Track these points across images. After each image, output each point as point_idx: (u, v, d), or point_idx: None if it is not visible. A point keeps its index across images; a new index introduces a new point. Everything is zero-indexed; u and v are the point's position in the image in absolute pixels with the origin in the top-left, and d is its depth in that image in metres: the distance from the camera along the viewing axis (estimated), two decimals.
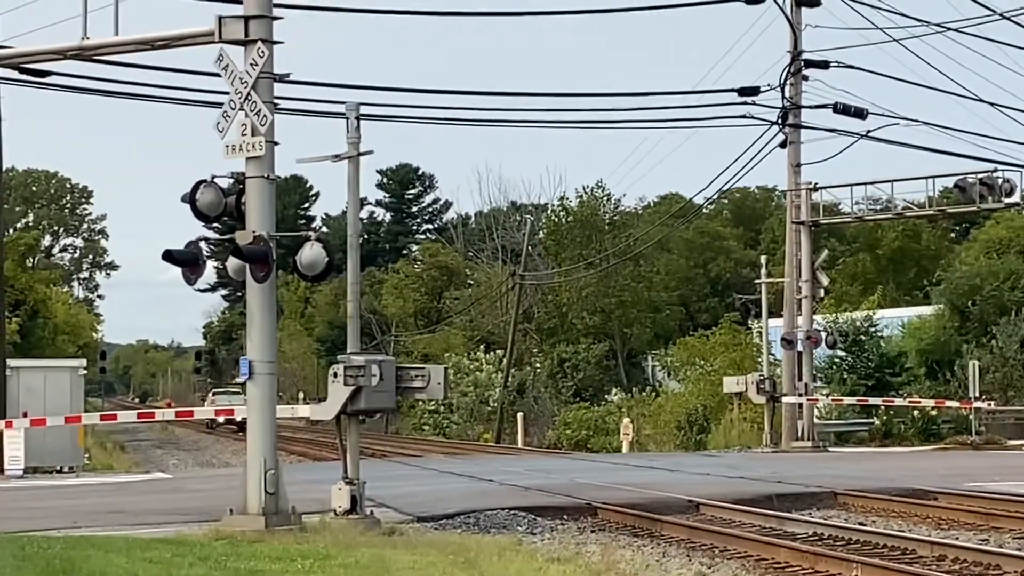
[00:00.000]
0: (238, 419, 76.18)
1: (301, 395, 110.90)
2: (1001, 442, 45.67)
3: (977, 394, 45.72)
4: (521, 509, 23.21)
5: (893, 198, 46.14)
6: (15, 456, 35.76)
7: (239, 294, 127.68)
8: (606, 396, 72.39)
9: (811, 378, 45.40)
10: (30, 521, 22.08)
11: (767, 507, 23.84)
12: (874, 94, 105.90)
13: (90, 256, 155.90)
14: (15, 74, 27.49)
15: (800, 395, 44.55)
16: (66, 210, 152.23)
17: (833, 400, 49.46)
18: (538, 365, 79.89)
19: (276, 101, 20.39)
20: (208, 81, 29.50)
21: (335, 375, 20.35)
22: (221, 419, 75.94)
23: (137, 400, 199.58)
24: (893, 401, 48.36)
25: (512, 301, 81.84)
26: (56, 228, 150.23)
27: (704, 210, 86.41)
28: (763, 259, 51.71)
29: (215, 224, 25.35)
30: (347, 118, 21.03)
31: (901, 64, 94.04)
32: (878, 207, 50.02)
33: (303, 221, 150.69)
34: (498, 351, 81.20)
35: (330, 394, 20.52)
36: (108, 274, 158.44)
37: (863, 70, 45.64)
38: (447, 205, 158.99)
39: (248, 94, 19.69)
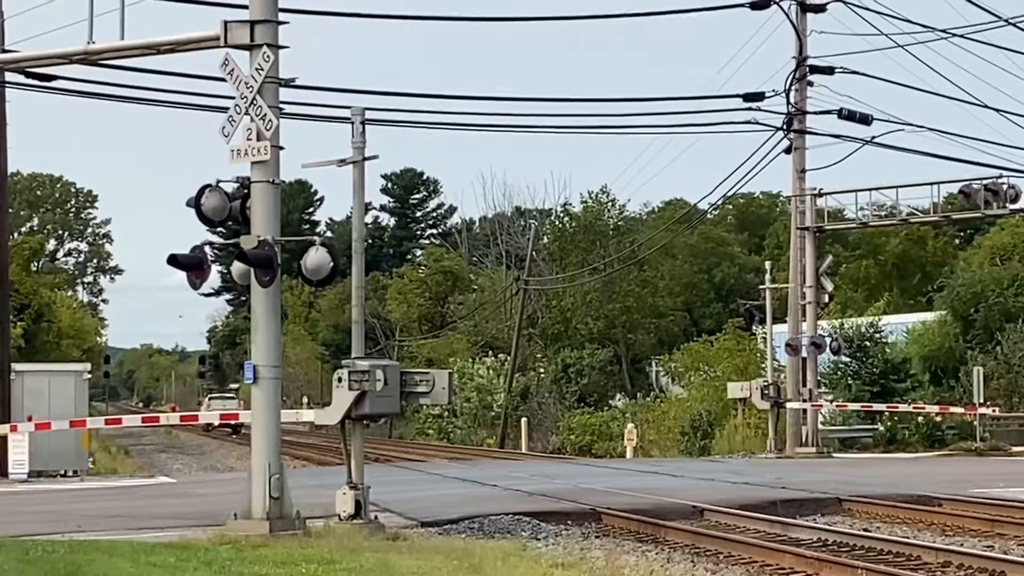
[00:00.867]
0: (232, 422, 77.32)
1: (305, 399, 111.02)
2: (1006, 448, 45.66)
3: (982, 400, 45.71)
4: (525, 514, 23.21)
5: (898, 204, 46.12)
6: (19, 460, 35.75)
7: (243, 298, 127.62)
8: (610, 401, 72.36)
9: (815, 384, 45.38)
10: (34, 525, 22.08)
11: (771, 513, 23.85)
12: (879, 100, 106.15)
13: (95, 260, 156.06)
14: (21, 78, 27.55)
15: (804, 401, 44.51)
16: (71, 214, 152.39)
17: (837, 406, 49.43)
18: (542, 370, 79.85)
19: (281, 106, 20.41)
20: (214, 86, 29.52)
21: (340, 380, 20.36)
22: (216, 422, 76.51)
23: (141, 404, 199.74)
24: (897, 407, 48.34)
25: (516, 306, 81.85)
26: (61, 232, 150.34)
27: (708, 215, 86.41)
28: (767, 264, 51.79)
29: (220, 228, 25.24)
30: (352, 123, 21.04)
31: (906, 70, 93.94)
32: (883, 213, 49.97)
33: (307, 226, 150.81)
34: (502, 356, 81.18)
35: (334, 399, 20.53)
36: (113, 278, 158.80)
37: (868, 76, 45.69)
38: (451, 210, 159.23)
39: (254, 99, 19.70)
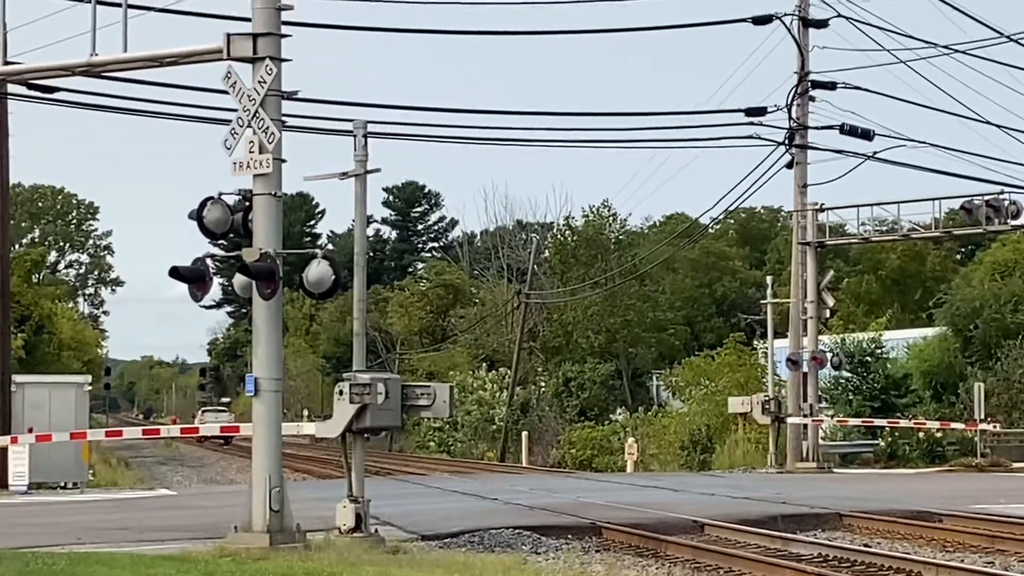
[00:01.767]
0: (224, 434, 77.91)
1: (306, 412, 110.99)
2: (1006, 464, 45.61)
3: (982, 416, 45.68)
4: (526, 528, 23.19)
5: (899, 219, 46.13)
6: (20, 472, 35.72)
7: (244, 311, 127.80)
8: (611, 415, 72.31)
9: (816, 399, 45.37)
10: (34, 537, 22.07)
11: (772, 528, 23.81)
12: (881, 115, 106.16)
13: (96, 272, 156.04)
14: (23, 90, 27.56)
15: (805, 416, 44.50)
16: (72, 226, 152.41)
17: (838, 421, 49.41)
18: (543, 384, 79.84)
19: (284, 118, 20.43)
20: (216, 98, 29.55)
21: (341, 393, 20.36)
22: (216, 433, 77.00)
23: (141, 416, 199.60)
24: (898, 423, 48.32)
25: (517, 320, 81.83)
26: (62, 244, 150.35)
27: (710, 230, 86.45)
28: (769, 279, 51.81)
29: (222, 241, 25.30)
30: (354, 136, 21.07)
31: (908, 86, 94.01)
32: (884, 228, 50.00)
33: (309, 238, 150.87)
34: (503, 369, 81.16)
35: (335, 412, 20.53)
36: (113, 290, 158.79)
37: (870, 91, 45.75)
38: (453, 223, 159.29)
39: (256, 111, 19.73)
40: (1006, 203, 42.77)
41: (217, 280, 22.56)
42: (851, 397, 53.39)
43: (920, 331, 65.36)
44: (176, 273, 20.31)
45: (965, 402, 51.71)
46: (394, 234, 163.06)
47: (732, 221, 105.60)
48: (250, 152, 19.83)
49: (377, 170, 21.04)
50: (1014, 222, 43.43)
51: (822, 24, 45.76)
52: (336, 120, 34.17)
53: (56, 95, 26.99)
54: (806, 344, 45.17)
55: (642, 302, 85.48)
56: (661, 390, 79.02)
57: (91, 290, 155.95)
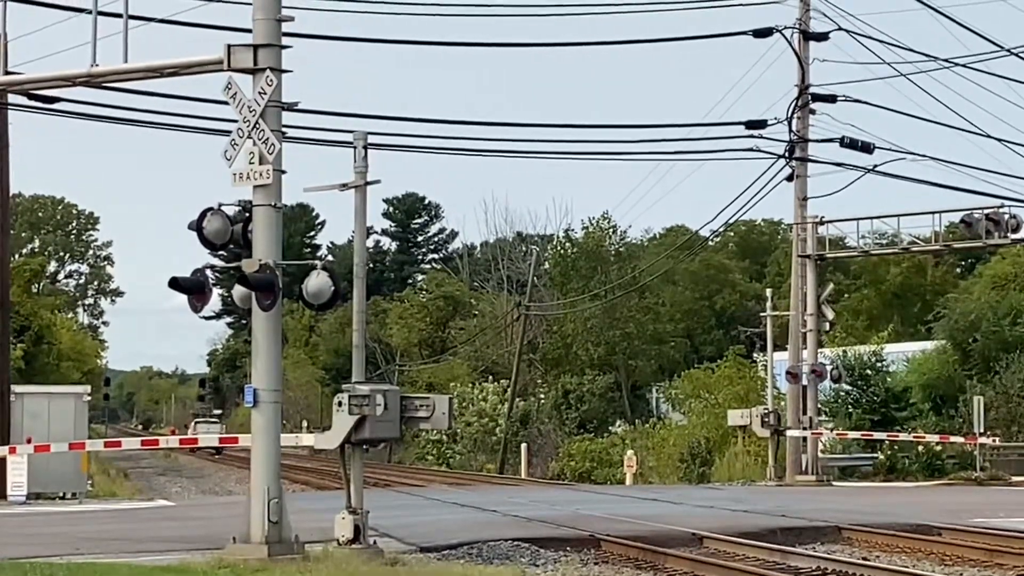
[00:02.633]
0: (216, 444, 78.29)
1: (305, 424, 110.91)
2: (1006, 478, 45.58)
3: (982, 430, 45.64)
4: (524, 540, 23.15)
5: (899, 233, 46.15)
6: (18, 482, 35.72)
7: (244, 322, 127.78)
8: (610, 428, 72.26)
9: (816, 412, 45.34)
10: (33, 547, 22.03)
11: (771, 541, 23.78)
12: (881, 129, 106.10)
13: (95, 282, 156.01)
14: (24, 100, 27.58)
15: (805, 429, 44.47)
16: (72, 236, 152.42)
17: (838, 434, 49.36)
18: (542, 396, 79.78)
19: (284, 130, 20.43)
20: (217, 109, 29.56)
21: (340, 404, 20.35)
22: (206, 444, 77.41)
23: (140, 427, 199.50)
24: (898, 436, 48.27)
25: (517, 332, 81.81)
26: (62, 254, 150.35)
27: (710, 242, 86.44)
28: (768, 292, 51.83)
29: (221, 252, 25.27)
30: (355, 147, 21.06)
31: (908, 99, 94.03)
32: (884, 241, 50.01)
33: (309, 250, 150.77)
34: (503, 381, 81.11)
35: (334, 423, 20.52)
36: (113, 300, 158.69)
37: (870, 104, 45.76)
38: (453, 235, 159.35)
39: (256, 122, 19.73)
40: (1006, 217, 42.80)
41: (217, 291, 22.58)
42: (851, 410, 53.35)
43: (919, 344, 65.35)
44: (176, 284, 20.30)
45: (964, 415, 51.67)
46: (394, 245, 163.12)
47: (732, 234, 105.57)
48: (250, 163, 19.83)
49: (377, 181, 21.06)
50: (1014, 236, 43.45)
51: (823, 37, 45.79)
52: (336, 131, 34.22)
53: (57, 105, 27.06)
54: (806, 357, 45.17)
55: (642, 314, 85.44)
56: (660, 402, 78.99)
57: (91, 300, 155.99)
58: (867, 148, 44.63)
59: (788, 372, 45.46)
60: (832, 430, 49.31)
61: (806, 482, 43.72)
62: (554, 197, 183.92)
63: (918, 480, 46.19)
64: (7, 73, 22.17)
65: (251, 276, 19.76)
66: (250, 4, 20.54)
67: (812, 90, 45.79)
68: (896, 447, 48.10)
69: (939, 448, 47.70)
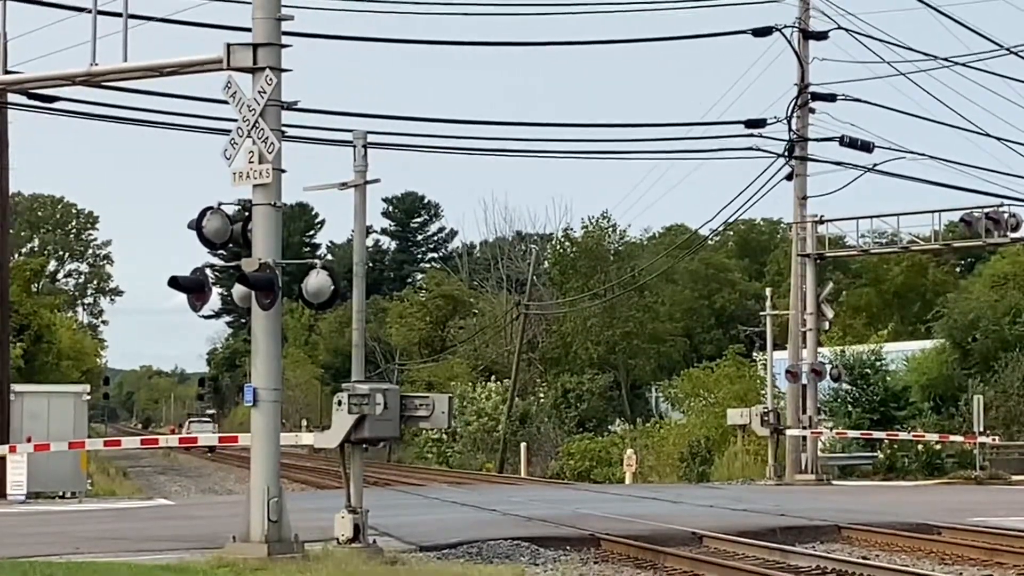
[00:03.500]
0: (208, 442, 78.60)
1: (304, 423, 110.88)
2: (1005, 477, 45.60)
3: (982, 429, 45.65)
4: (524, 539, 23.14)
5: (899, 232, 46.14)
6: (18, 481, 35.72)
7: (243, 321, 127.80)
8: (610, 427, 72.29)
9: (815, 411, 45.32)
10: (32, 547, 22.03)
11: (770, 540, 23.78)
12: (880, 128, 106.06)
13: (95, 281, 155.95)
14: (23, 99, 27.58)
15: (804, 428, 44.47)
16: (71, 235, 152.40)
17: (837, 433, 49.34)
18: (542, 395, 79.77)
19: (283, 129, 20.42)
20: (216, 108, 29.55)
21: (339, 403, 20.35)
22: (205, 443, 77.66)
23: (140, 426, 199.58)
24: (897, 435, 48.27)
25: (516, 331, 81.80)
26: (61, 253, 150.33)
27: (709, 241, 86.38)
28: (768, 291, 51.78)
29: (221, 251, 25.27)
30: (354, 146, 21.06)
31: (908, 98, 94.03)
32: (884, 241, 49.98)
33: (308, 249, 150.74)
34: (502, 380, 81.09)
35: (334, 422, 20.52)
36: (113, 300, 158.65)
37: (870, 103, 45.74)
38: (452, 234, 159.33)
39: (256, 122, 19.72)
40: (1006, 216, 42.79)
41: (216, 290, 22.57)
42: (850, 409, 53.34)
43: (919, 343, 65.35)
44: (175, 283, 20.29)
45: (964, 414, 51.69)
46: (393, 245, 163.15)
47: (732, 233, 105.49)
48: (250, 162, 19.82)
49: (377, 180, 21.05)
50: (1014, 235, 43.41)
51: (822, 36, 45.78)
52: (336, 130, 34.18)
53: (56, 105, 27.05)
54: (805, 356, 45.16)
55: (641, 313, 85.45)
56: (660, 402, 78.99)
57: (90, 299, 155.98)
58: (867, 147, 44.62)
59: (788, 371, 45.44)
60: (832, 429, 49.28)
61: (806, 481, 43.71)
62: (553, 196, 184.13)
63: (918, 479, 46.19)
64: (7, 72, 22.17)
65: (251, 275, 19.76)
66: (250, 3, 20.54)
67: (812, 89, 45.78)
68: (896, 446, 48.11)
69: (939, 447, 47.71)
